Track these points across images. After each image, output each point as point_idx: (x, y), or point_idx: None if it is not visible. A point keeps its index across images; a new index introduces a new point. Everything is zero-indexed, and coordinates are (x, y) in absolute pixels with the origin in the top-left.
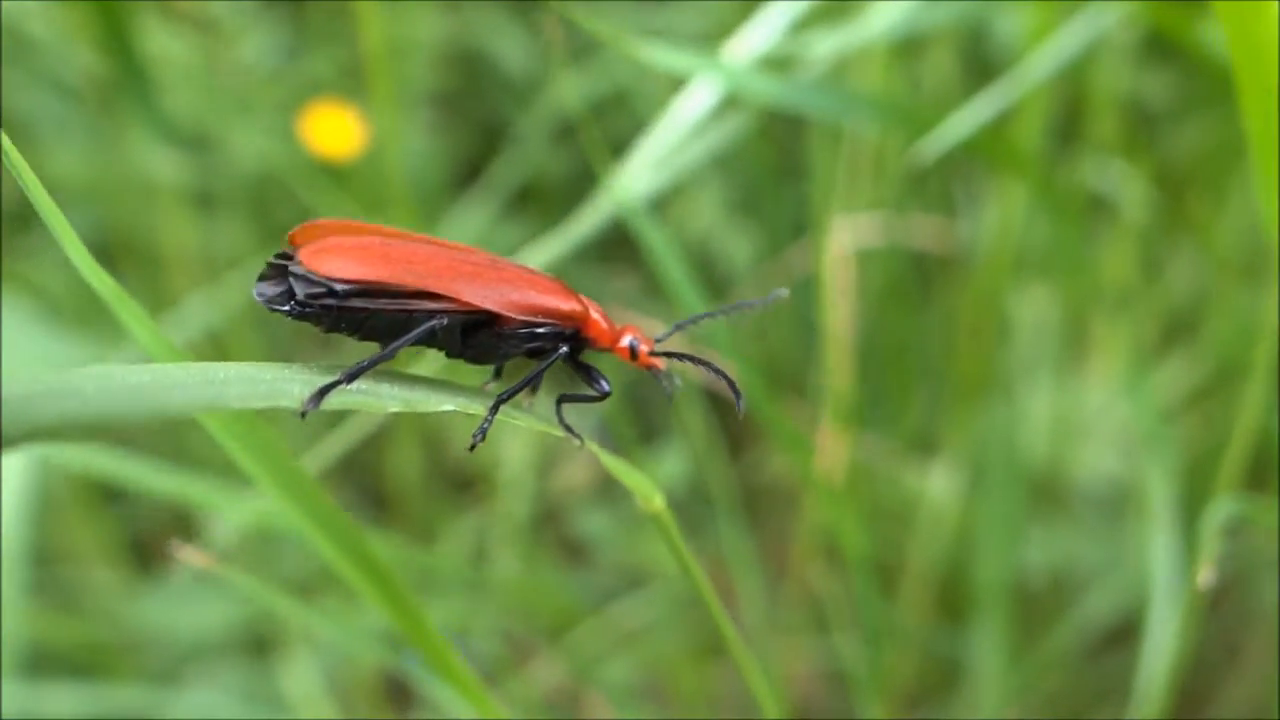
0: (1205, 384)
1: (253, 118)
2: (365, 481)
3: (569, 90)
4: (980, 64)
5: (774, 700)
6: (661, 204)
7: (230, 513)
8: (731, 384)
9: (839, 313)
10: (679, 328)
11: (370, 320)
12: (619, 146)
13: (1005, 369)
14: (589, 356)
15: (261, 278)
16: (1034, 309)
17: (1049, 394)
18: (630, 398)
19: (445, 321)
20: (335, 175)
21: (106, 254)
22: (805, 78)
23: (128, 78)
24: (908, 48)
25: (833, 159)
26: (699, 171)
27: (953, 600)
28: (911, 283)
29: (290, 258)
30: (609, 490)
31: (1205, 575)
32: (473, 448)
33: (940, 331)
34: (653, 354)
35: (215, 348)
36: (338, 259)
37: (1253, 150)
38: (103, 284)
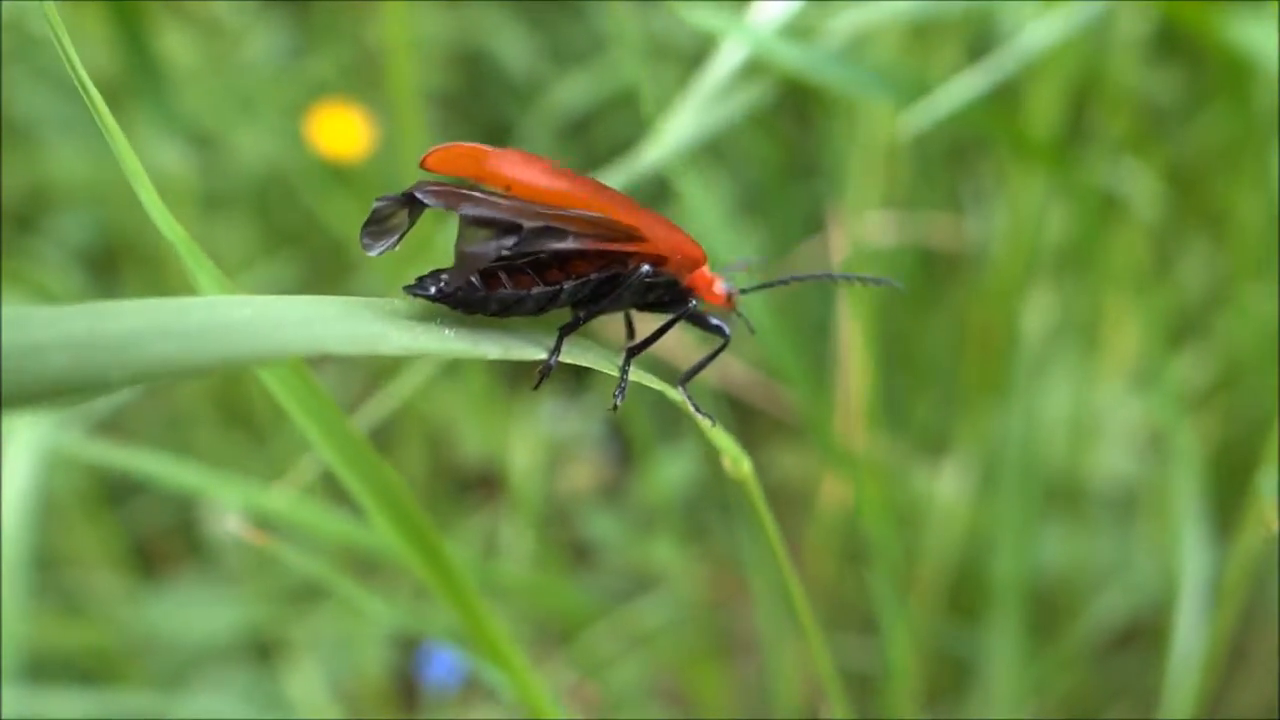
0: (1218, 380)
1: (257, 118)
2: None
3: (575, 89)
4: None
5: (839, 692)
6: (668, 202)
7: (241, 500)
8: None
9: (851, 311)
10: (744, 264)
11: (525, 300)
12: (627, 146)
13: (1016, 368)
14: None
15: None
16: (1045, 307)
17: (1061, 393)
18: (641, 400)
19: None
20: (339, 176)
21: (109, 254)
22: (824, 47)
23: (142, 77)
24: (917, 40)
25: (843, 157)
26: (707, 169)
27: (964, 600)
28: (922, 281)
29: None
30: (614, 493)
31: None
32: (615, 407)
33: (951, 330)
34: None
35: None
36: (509, 164)
37: None
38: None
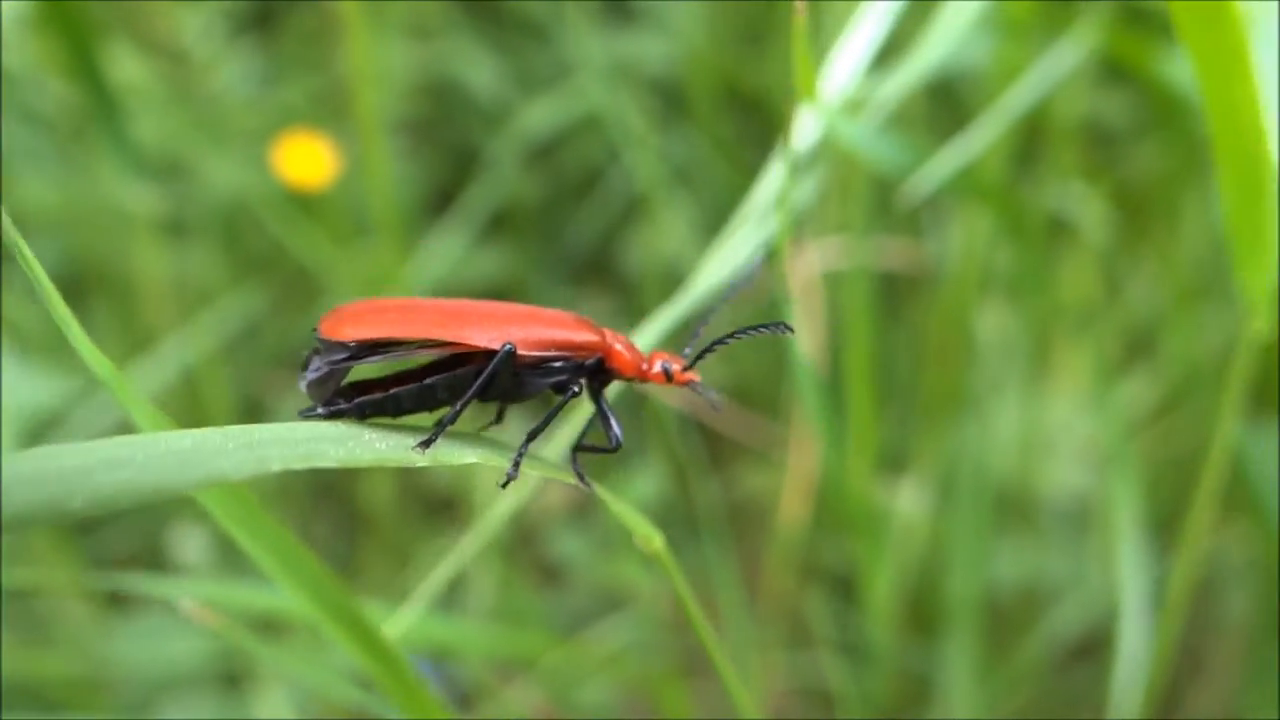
0: (1165, 399)
1: (225, 147)
2: (338, 505)
3: (542, 114)
4: (942, 89)
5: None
6: (633, 226)
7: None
8: (782, 326)
9: (808, 334)
10: (695, 336)
11: (392, 400)
12: (593, 171)
13: (972, 387)
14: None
15: (302, 368)
16: (999, 328)
17: (1015, 411)
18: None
19: (507, 349)
20: (306, 205)
21: (78, 284)
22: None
23: (96, 106)
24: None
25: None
26: (668, 192)
27: (922, 616)
28: (880, 303)
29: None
30: (583, 512)
31: None
32: (504, 485)
33: (909, 350)
34: (687, 369)
35: (187, 383)
36: (350, 324)
37: (1220, 168)
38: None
